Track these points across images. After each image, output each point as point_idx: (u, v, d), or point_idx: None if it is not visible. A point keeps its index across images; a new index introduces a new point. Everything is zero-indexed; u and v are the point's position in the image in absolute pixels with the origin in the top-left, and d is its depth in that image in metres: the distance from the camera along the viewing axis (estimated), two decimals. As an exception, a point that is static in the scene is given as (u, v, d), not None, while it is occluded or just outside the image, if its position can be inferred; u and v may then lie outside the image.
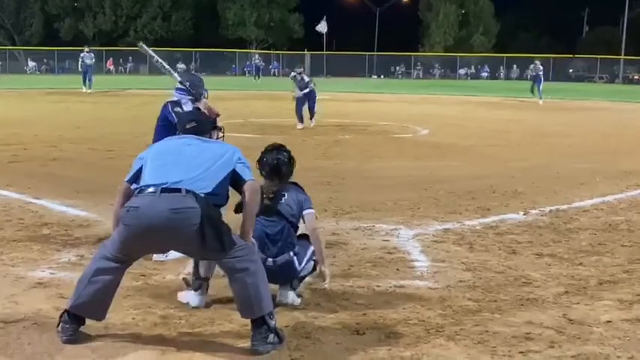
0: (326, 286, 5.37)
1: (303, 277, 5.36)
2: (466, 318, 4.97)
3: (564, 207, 8.72)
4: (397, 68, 74.29)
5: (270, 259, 5.08)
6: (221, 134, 5.22)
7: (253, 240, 4.71)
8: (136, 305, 5.05)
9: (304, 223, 5.34)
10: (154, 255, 5.79)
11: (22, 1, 74.07)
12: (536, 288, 5.66)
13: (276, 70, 69.84)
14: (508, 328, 4.78)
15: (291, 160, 5.41)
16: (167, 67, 6.80)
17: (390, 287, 5.61)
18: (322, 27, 65.35)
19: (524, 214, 8.28)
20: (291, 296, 5.21)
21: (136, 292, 5.33)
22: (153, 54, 6.89)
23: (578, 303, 5.33)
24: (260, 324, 4.34)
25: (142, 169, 4.55)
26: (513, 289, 5.63)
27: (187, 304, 5.07)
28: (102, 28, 75.42)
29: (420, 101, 32.78)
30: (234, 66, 72.65)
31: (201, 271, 5.09)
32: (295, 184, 5.46)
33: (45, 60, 69.54)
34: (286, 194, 5.29)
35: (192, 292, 5.11)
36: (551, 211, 8.49)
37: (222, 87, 32.06)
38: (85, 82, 32.92)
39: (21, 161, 11.71)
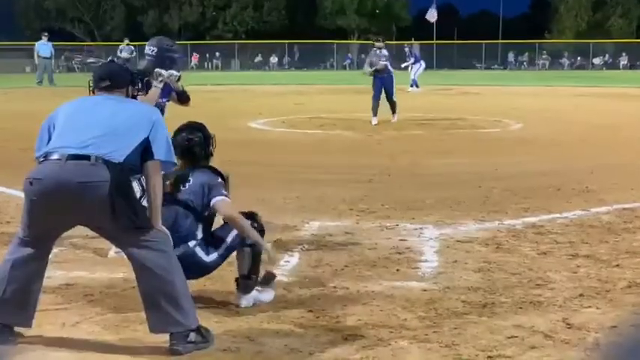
0: (271, 260, 5.42)
1: (250, 273, 5.30)
2: (447, 321, 5.00)
3: (634, 205, 8.53)
4: (519, 58, 73.07)
5: None
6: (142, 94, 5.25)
7: (164, 229, 4.59)
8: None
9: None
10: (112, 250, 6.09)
11: (104, -8, 77.15)
12: (548, 290, 5.61)
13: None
14: (489, 333, 4.78)
15: (207, 140, 5.30)
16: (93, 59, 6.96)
17: (378, 289, 5.67)
18: (432, 15, 64.50)
19: (581, 213, 8.16)
20: (246, 300, 5.27)
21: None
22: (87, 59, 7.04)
23: (590, 307, 5.27)
24: None
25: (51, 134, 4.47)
26: (521, 291, 5.60)
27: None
28: (188, 21, 77.38)
29: (532, 93, 32.22)
30: (331, 60, 73.23)
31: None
32: (211, 168, 5.31)
33: (127, 56, 71.91)
34: (192, 179, 5.17)
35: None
36: (615, 209, 8.33)
37: (321, 81, 32.46)
38: None
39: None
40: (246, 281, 5.30)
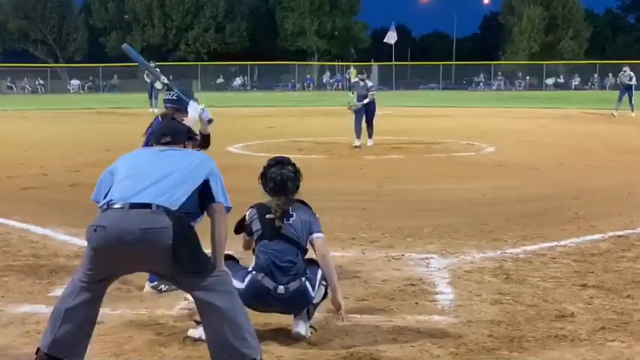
0: (341, 317, 5.39)
1: (317, 304, 5.41)
2: (481, 356, 4.97)
3: (627, 232, 8.59)
4: (474, 78, 73.88)
5: (281, 287, 5.15)
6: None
7: (226, 269, 4.73)
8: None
9: (312, 248, 5.35)
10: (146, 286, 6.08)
11: (66, 14, 76.34)
12: (569, 323, 5.61)
13: (339, 84, 70.66)
14: (525, 368, 4.76)
15: (297, 174, 5.48)
16: (153, 68, 6.99)
17: (404, 322, 5.62)
18: (391, 37, 64.59)
19: (578, 241, 8.19)
20: (305, 328, 5.30)
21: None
22: (139, 57, 6.98)
23: (614, 340, 5.27)
24: None
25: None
26: (543, 324, 5.58)
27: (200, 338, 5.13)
28: (150, 42, 76.81)
29: (494, 115, 32.52)
30: (293, 81, 73.42)
31: None
32: (303, 202, 5.49)
33: (90, 77, 71.23)
34: (294, 214, 5.33)
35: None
36: (610, 237, 8.38)
37: (286, 103, 32.43)
38: (151, 101, 33.58)
39: (36, 187, 12.03)
40: (312, 310, 5.38)
